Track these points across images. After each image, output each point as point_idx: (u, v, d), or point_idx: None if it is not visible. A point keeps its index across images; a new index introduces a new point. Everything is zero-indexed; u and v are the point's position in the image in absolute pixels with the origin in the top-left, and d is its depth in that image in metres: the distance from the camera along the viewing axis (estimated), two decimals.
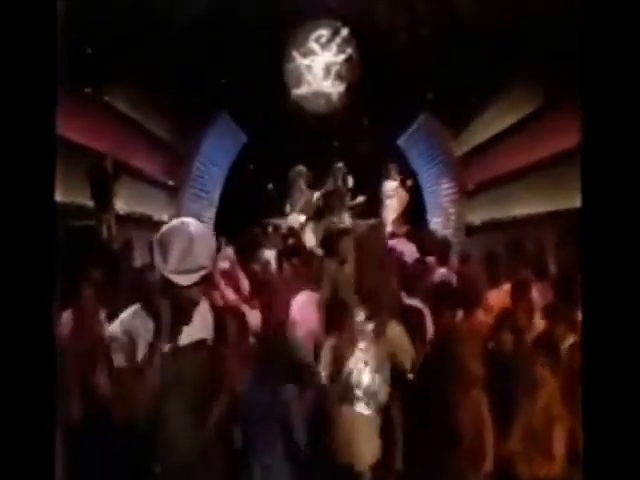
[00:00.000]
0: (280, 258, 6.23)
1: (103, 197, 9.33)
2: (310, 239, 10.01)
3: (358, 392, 3.63)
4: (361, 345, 3.67)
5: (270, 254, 6.68)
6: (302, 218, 10.79)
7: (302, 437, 3.56)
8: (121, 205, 9.92)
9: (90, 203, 9.29)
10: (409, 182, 11.48)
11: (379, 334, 3.67)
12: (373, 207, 11.24)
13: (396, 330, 3.80)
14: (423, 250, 6.87)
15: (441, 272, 6.17)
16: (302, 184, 11.12)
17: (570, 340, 4.07)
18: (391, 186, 11.24)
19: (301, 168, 11.19)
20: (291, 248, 7.04)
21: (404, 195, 11.30)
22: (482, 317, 4.81)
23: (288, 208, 11.19)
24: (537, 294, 5.09)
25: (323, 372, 3.78)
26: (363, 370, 3.61)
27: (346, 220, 10.75)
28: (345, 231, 3.55)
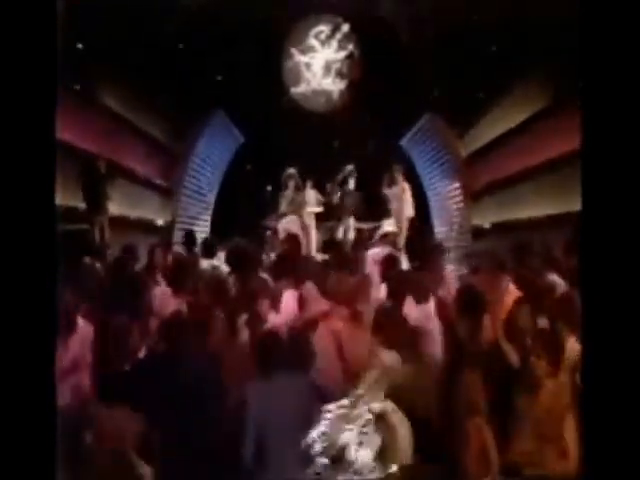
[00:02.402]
0: (277, 264, 6.03)
1: (96, 199, 9.18)
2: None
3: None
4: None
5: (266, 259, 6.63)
6: (298, 221, 10.58)
7: None
8: (114, 208, 9.70)
9: (82, 205, 9.12)
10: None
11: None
12: (377, 209, 10.94)
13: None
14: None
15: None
16: (292, 187, 10.90)
17: (572, 339, 3.97)
18: (397, 189, 10.80)
19: (292, 171, 10.95)
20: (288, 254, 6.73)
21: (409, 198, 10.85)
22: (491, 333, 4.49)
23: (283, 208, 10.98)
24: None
25: None
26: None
27: (350, 224, 10.43)
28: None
